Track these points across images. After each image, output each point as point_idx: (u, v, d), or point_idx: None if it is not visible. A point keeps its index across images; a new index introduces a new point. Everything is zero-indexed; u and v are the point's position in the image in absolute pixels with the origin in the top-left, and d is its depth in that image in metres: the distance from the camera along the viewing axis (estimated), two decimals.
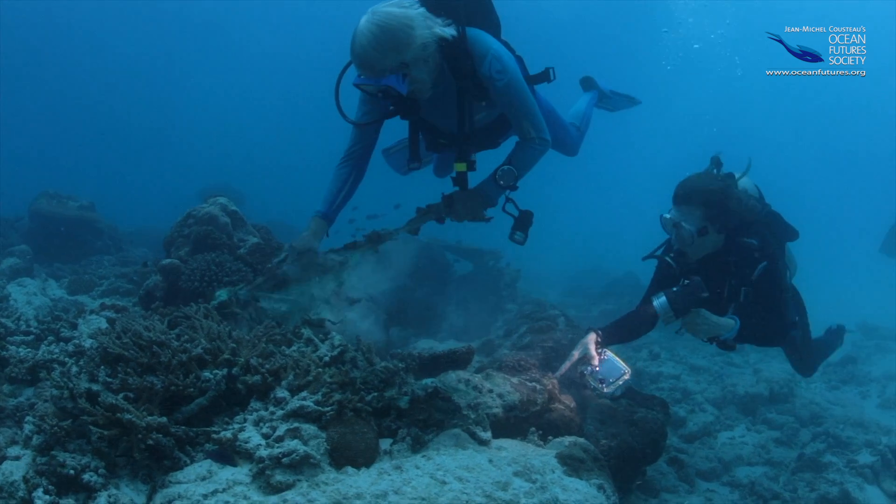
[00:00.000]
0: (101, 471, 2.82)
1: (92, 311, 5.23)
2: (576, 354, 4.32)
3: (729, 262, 4.31)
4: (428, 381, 3.39)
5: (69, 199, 10.15)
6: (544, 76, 4.68)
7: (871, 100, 32.65)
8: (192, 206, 6.51)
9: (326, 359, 3.51)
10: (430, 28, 3.72)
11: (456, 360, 4.28)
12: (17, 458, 2.99)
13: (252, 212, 10.25)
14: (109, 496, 2.73)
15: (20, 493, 2.76)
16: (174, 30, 37.98)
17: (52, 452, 2.86)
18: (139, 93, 39.66)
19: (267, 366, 3.40)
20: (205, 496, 2.70)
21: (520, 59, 4.61)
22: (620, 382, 4.13)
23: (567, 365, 4.35)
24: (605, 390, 4.15)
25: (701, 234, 4.16)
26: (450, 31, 3.80)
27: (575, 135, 5.66)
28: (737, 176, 4.53)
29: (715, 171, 4.55)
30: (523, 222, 4.35)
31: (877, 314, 12.94)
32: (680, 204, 4.23)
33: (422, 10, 3.75)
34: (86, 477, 2.77)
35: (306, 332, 3.88)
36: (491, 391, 4.02)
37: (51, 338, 4.49)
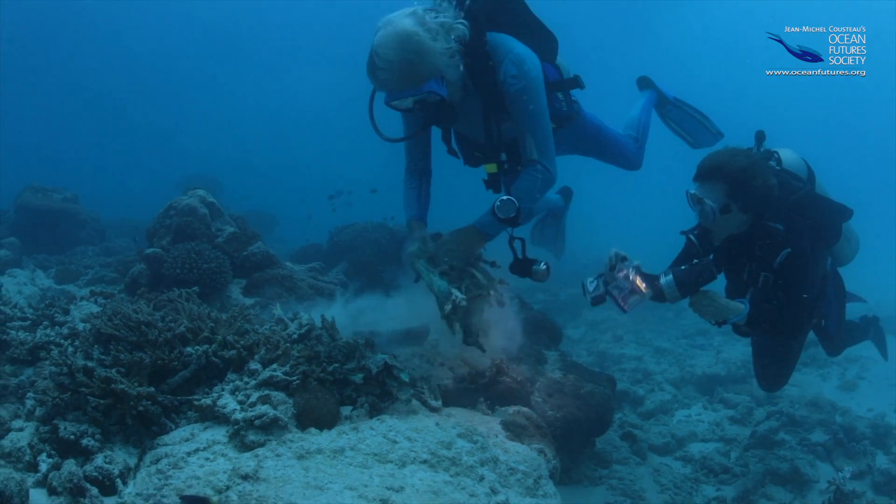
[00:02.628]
0: (97, 436, 3.23)
1: (83, 298, 5.60)
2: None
3: (752, 244, 4.17)
4: (382, 356, 3.78)
5: (53, 192, 10.40)
6: (575, 82, 4.54)
7: (871, 100, 32.49)
8: (172, 196, 6.85)
9: (295, 336, 3.92)
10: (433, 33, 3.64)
11: (413, 337, 4.69)
12: (20, 430, 3.38)
13: (231, 201, 10.57)
14: (105, 457, 3.13)
15: (27, 458, 3.17)
16: (156, 22, 37.85)
17: (54, 421, 3.27)
18: (118, 84, 39.49)
19: (242, 342, 3.80)
20: (188, 454, 3.13)
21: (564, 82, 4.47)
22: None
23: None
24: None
25: (724, 212, 3.99)
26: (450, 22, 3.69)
27: (633, 146, 5.44)
28: (780, 152, 4.37)
29: (756, 146, 4.42)
30: (521, 269, 4.16)
31: None
32: (703, 180, 4.06)
33: (415, 17, 3.66)
34: (84, 442, 3.17)
35: (277, 312, 4.29)
36: (442, 364, 4.39)
37: (46, 322, 4.78)
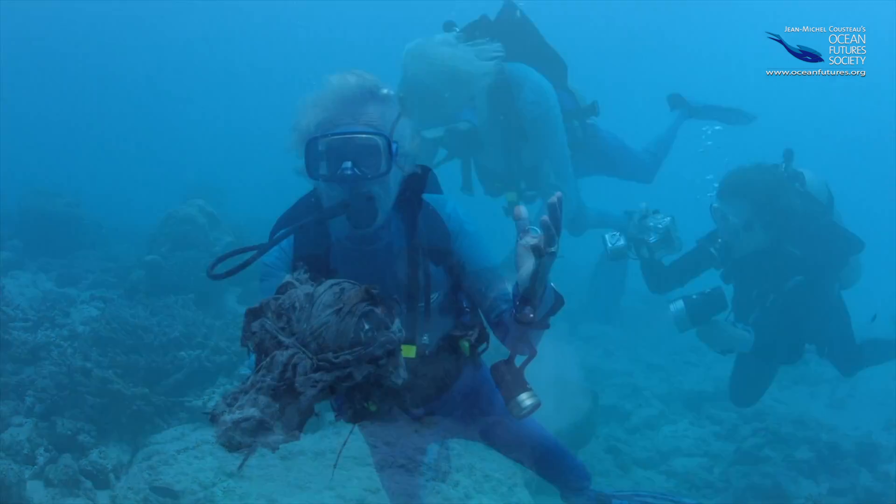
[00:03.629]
0: (92, 433, 3.41)
1: (83, 302, 5.74)
2: None
3: (767, 264, 4.09)
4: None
5: (57, 196, 10.49)
6: (591, 109, 4.56)
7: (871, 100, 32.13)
8: (173, 202, 7.00)
9: None
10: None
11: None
12: (20, 425, 3.56)
13: (234, 208, 10.67)
14: (100, 452, 3.31)
15: (25, 451, 3.34)
16: (158, 31, 37.95)
17: (52, 418, 3.44)
18: (123, 87, 39.53)
19: (233, 348, 3.98)
20: (178, 452, 3.31)
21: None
22: None
23: None
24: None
25: (746, 229, 3.94)
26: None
27: (648, 161, 5.43)
28: (805, 173, 4.25)
29: (784, 165, 4.26)
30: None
31: None
32: (728, 196, 4.00)
33: (449, 45, 3.67)
34: (80, 438, 3.36)
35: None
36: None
37: (47, 324, 4.90)
